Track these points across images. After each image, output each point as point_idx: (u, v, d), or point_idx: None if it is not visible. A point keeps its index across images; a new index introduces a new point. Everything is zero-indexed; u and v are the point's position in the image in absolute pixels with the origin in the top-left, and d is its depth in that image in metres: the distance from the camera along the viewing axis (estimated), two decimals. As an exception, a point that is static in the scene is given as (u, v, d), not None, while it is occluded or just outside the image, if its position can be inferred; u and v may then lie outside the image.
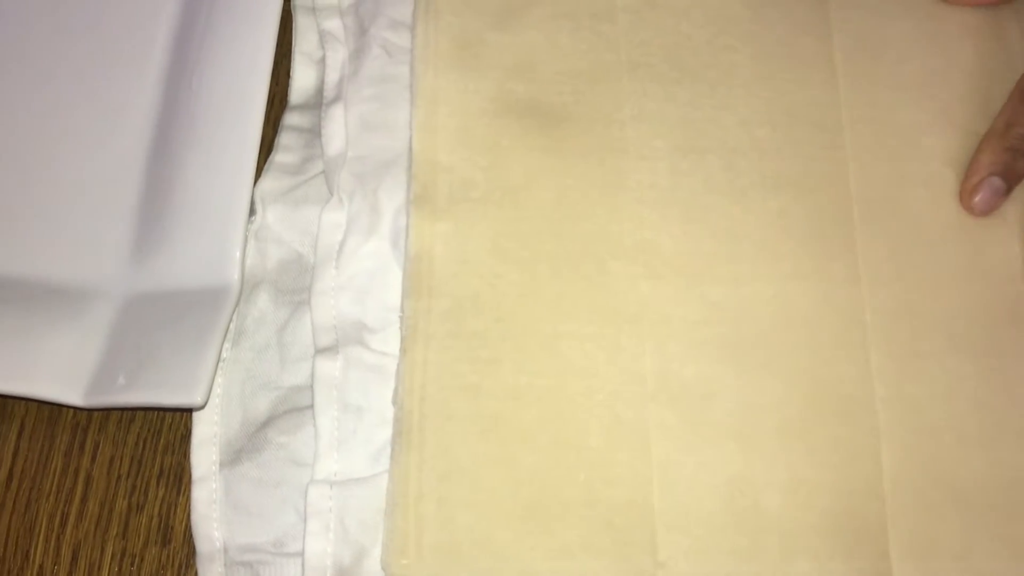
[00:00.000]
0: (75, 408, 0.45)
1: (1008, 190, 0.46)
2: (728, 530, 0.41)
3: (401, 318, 0.45)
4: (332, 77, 0.50)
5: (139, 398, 0.43)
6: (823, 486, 0.42)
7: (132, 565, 0.44)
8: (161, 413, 0.47)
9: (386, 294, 0.46)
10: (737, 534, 0.41)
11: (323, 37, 0.51)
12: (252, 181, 0.47)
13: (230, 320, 0.45)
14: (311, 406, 0.44)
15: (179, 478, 0.45)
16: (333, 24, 0.51)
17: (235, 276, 0.46)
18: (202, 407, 0.44)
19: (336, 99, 0.49)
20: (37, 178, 0.49)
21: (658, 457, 0.42)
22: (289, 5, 0.51)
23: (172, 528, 0.45)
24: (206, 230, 0.47)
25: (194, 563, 0.43)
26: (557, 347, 0.44)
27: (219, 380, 0.45)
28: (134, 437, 0.46)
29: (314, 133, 0.49)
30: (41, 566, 0.44)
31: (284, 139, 0.49)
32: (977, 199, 0.45)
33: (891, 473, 0.42)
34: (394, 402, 0.44)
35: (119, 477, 0.46)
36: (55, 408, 0.47)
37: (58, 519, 0.45)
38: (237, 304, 0.46)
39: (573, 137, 0.47)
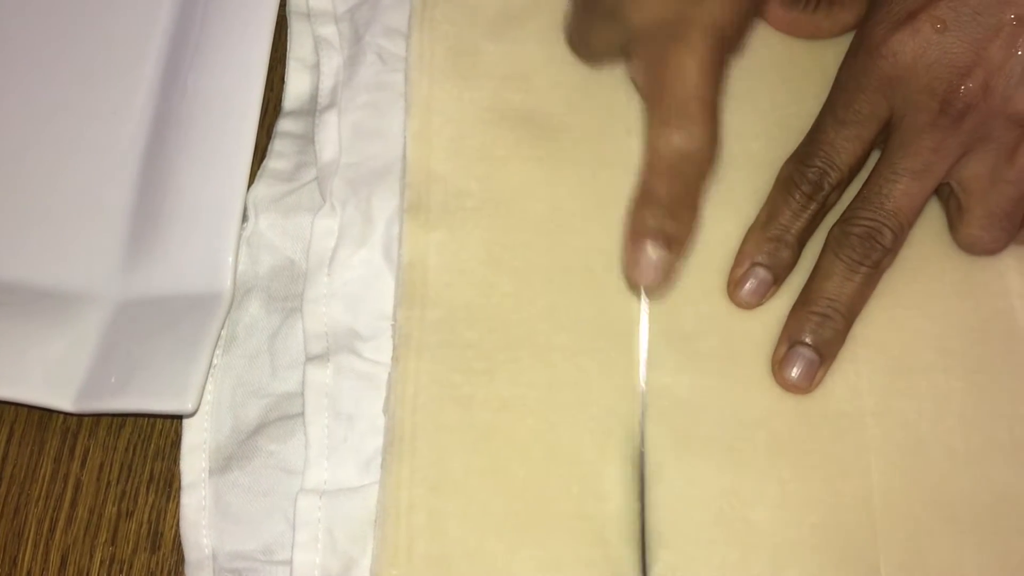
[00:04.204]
0: (65, 413, 0.45)
1: (775, 280, 0.45)
2: (718, 544, 0.41)
3: (393, 327, 0.45)
4: (326, 84, 0.50)
5: (130, 404, 0.43)
6: (813, 501, 0.42)
7: (121, 572, 0.44)
8: (151, 419, 0.46)
9: (378, 302, 0.46)
10: (727, 548, 0.41)
11: (318, 43, 0.50)
12: (245, 187, 0.47)
13: (222, 327, 0.45)
14: (302, 414, 0.44)
15: (169, 484, 0.45)
16: (328, 30, 0.51)
17: (227, 282, 0.46)
18: (193, 414, 0.44)
19: (330, 106, 0.49)
20: (29, 182, 0.49)
21: (649, 470, 0.42)
22: (284, 11, 0.51)
23: (161, 535, 0.45)
24: (199, 236, 0.46)
25: (183, 570, 0.43)
26: (550, 359, 0.44)
27: (209, 387, 0.45)
28: (124, 443, 0.46)
29: (307, 139, 0.49)
30: (29, 572, 0.44)
31: (277, 145, 0.49)
32: (743, 291, 0.45)
33: (881, 488, 0.42)
34: (385, 411, 0.44)
35: (109, 483, 0.45)
36: (45, 413, 0.46)
37: (47, 525, 0.45)
38: (229, 311, 0.45)
39: (567, 149, 0.47)
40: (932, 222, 0.46)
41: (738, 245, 0.46)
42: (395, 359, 0.44)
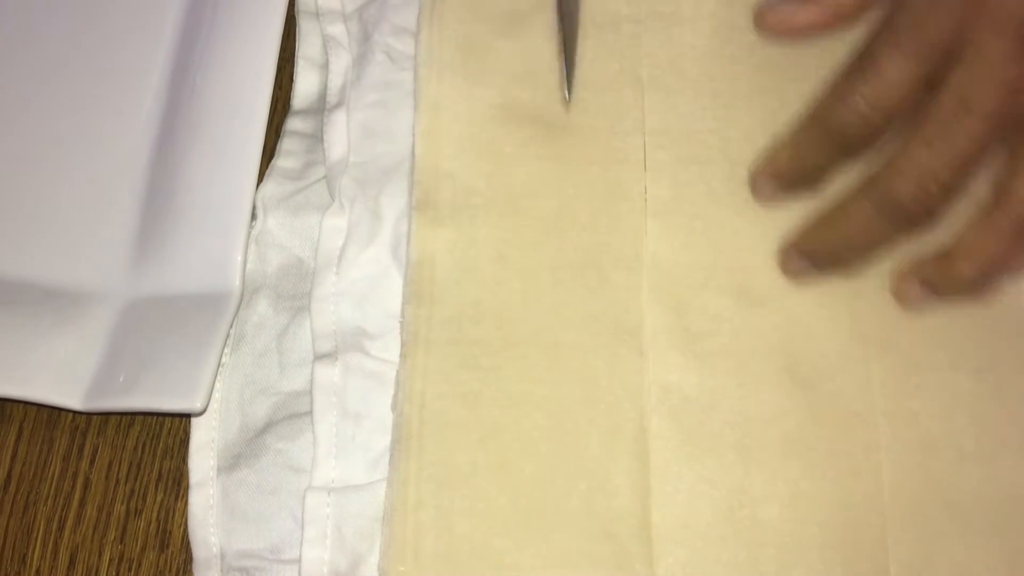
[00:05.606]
0: (74, 412, 0.45)
1: (791, 197, 0.44)
2: (726, 542, 0.41)
3: (402, 324, 0.45)
4: (335, 82, 0.50)
5: (138, 402, 0.43)
6: (823, 499, 0.42)
7: (129, 570, 0.44)
8: (160, 418, 0.46)
9: (386, 300, 0.46)
10: (735, 546, 0.41)
11: (327, 42, 0.51)
12: (254, 186, 0.47)
13: (231, 325, 0.45)
14: (310, 412, 0.44)
15: (177, 483, 0.45)
16: (337, 29, 0.51)
17: (236, 281, 0.46)
18: (202, 412, 0.44)
19: (339, 104, 0.49)
20: (39, 180, 0.49)
21: (657, 468, 0.42)
22: (292, 10, 0.51)
23: (170, 533, 0.45)
24: (208, 234, 0.46)
25: (191, 569, 0.43)
26: (558, 356, 0.44)
27: (218, 385, 0.45)
28: (133, 441, 0.46)
29: (316, 138, 0.49)
30: (38, 570, 0.44)
31: (286, 144, 0.49)
32: (756, 194, 0.45)
33: (891, 488, 0.42)
34: (393, 408, 0.44)
35: (117, 481, 0.45)
36: (54, 411, 0.46)
37: (56, 523, 0.45)
38: (238, 309, 0.45)
39: (576, 146, 0.47)
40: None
41: (747, 243, 0.46)
42: (403, 356, 0.44)
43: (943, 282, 0.42)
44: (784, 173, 0.44)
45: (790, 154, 0.44)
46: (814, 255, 0.44)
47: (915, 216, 0.41)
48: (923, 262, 0.43)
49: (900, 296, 0.43)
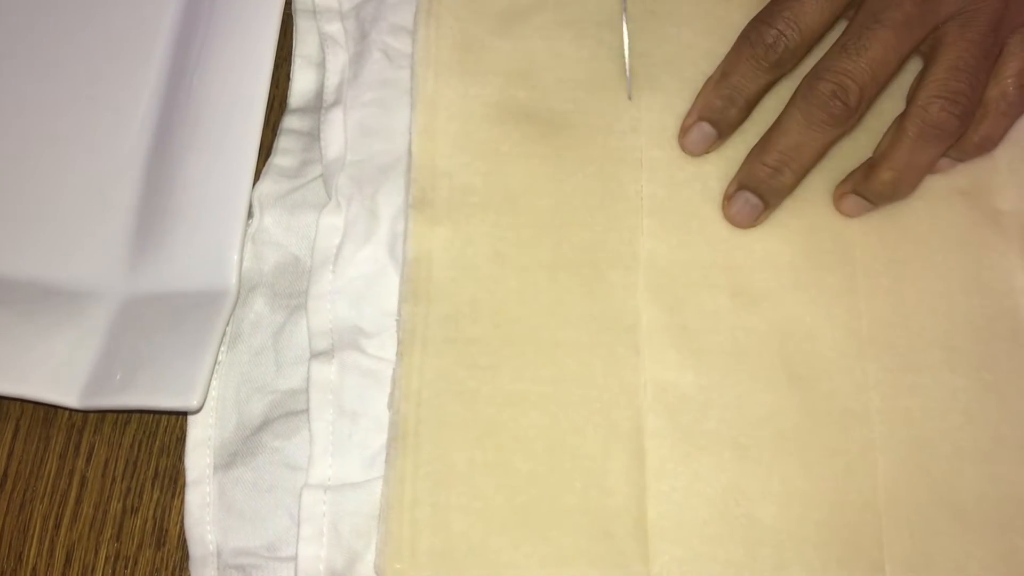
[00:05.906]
0: (71, 410, 0.45)
1: (720, 135, 0.46)
2: (722, 540, 0.41)
3: (398, 322, 0.45)
4: (332, 81, 0.50)
5: (135, 400, 0.44)
6: (818, 498, 0.42)
7: (126, 568, 0.44)
8: (157, 415, 0.46)
9: (383, 299, 0.46)
10: (731, 545, 0.41)
11: (324, 41, 0.51)
12: (251, 184, 0.47)
13: (227, 323, 0.45)
14: (306, 410, 0.44)
15: (174, 481, 0.45)
16: (334, 28, 0.51)
17: (233, 279, 0.46)
18: (198, 410, 0.44)
19: (336, 103, 0.49)
20: (36, 179, 0.49)
21: (653, 466, 0.42)
22: (290, 8, 0.51)
23: (166, 531, 0.45)
24: (204, 232, 0.47)
25: (187, 566, 0.43)
26: (554, 355, 0.44)
27: (214, 383, 0.45)
28: (129, 439, 0.46)
29: (313, 137, 0.49)
30: (35, 568, 0.44)
31: (283, 142, 0.49)
32: (688, 139, 0.47)
33: (887, 486, 0.42)
34: (390, 407, 0.44)
35: (114, 479, 0.45)
36: (51, 409, 0.46)
37: (52, 521, 0.45)
38: (234, 308, 0.46)
39: (573, 145, 0.47)
40: (938, 221, 0.46)
41: (744, 241, 0.46)
42: (399, 355, 0.44)
43: (871, 189, 0.46)
44: (716, 104, 0.46)
45: (719, 85, 0.46)
46: (758, 184, 0.45)
47: (836, 112, 0.44)
48: (854, 175, 0.46)
49: (841, 209, 0.46)
